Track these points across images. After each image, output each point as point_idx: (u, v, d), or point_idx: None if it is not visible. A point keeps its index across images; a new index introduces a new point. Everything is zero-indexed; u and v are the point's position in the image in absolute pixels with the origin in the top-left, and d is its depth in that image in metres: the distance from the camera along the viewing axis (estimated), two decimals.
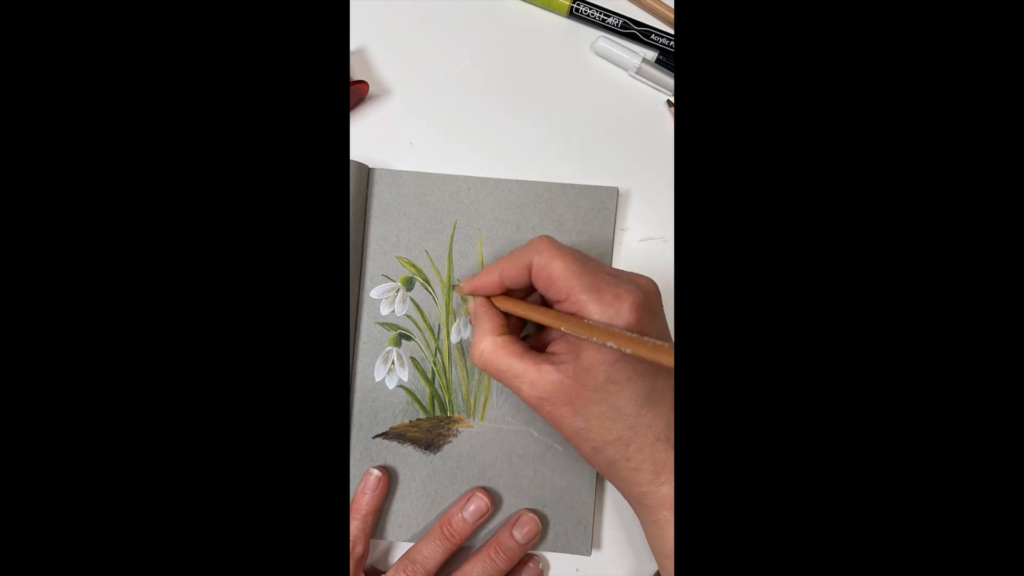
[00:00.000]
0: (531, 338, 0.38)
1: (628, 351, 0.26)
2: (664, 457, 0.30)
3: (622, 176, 0.42)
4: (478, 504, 0.38)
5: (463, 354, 0.40)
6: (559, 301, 0.31)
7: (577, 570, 0.41)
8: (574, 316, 0.30)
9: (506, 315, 0.34)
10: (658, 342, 0.25)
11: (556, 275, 0.31)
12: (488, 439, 0.40)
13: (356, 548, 0.37)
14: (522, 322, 0.36)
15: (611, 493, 0.41)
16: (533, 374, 0.31)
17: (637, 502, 0.32)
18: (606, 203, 0.41)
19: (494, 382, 0.40)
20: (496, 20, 0.44)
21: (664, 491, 0.30)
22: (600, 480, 0.40)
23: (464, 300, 0.40)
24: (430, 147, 0.42)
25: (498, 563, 0.37)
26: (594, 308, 0.29)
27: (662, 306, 0.33)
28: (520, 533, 0.38)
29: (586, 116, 0.43)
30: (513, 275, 0.33)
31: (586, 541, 0.40)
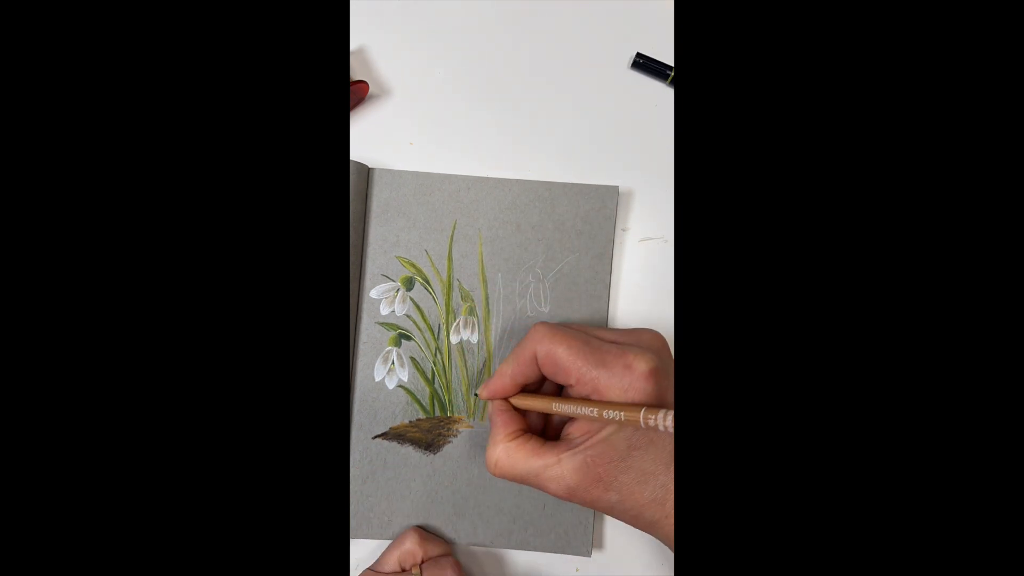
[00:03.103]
0: (549, 429, 0.37)
1: (663, 428, 0.26)
2: None
3: (622, 176, 0.42)
4: None
5: (463, 354, 0.40)
6: (571, 385, 0.31)
7: (577, 570, 0.41)
8: (588, 401, 0.30)
9: (526, 412, 0.34)
10: (669, 411, 0.26)
11: (561, 361, 0.31)
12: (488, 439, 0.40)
13: (405, 543, 0.37)
14: (544, 418, 0.36)
15: None
16: (554, 468, 0.31)
17: None
18: (606, 202, 0.41)
19: None
20: (496, 20, 0.44)
21: None
22: None
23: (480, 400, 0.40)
24: (430, 147, 0.42)
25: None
26: (606, 383, 0.29)
27: (672, 358, 0.33)
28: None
29: (586, 116, 0.43)
30: (522, 371, 0.33)
31: (586, 541, 0.40)
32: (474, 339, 0.40)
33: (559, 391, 0.35)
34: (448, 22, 0.44)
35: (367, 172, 0.41)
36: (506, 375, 0.34)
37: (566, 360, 0.31)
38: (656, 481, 0.30)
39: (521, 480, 0.32)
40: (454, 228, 0.41)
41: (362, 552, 0.40)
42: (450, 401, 0.40)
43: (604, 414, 0.29)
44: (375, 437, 0.40)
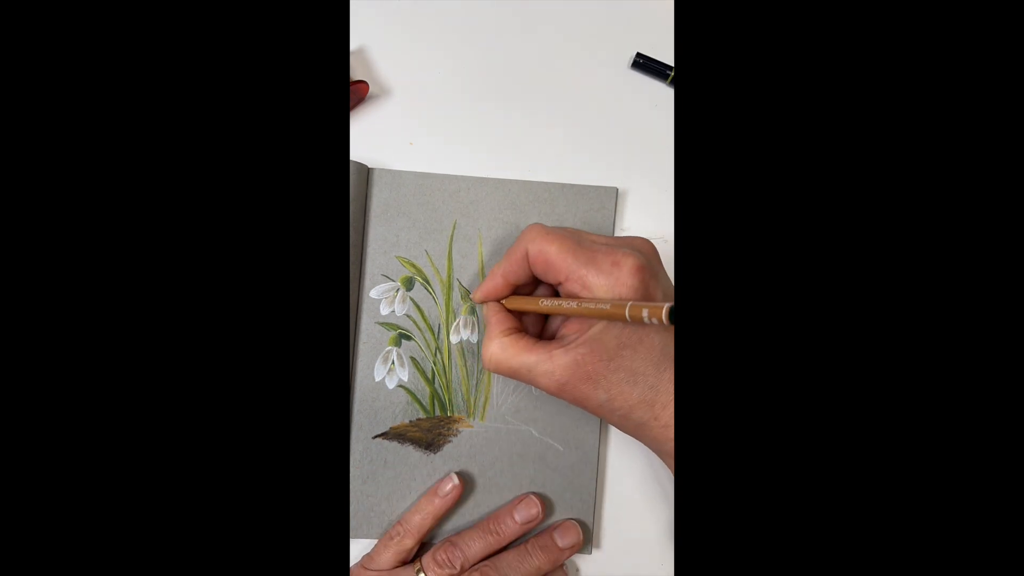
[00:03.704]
0: (545, 333, 0.38)
1: (647, 320, 0.26)
2: None
3: (621, 176, 0.42)
4: (530, 509, 0.38)
5: (463, 354, 0.40)
6: (561, 283, 0.32)
7: (577, 570, 0.41)
8: (575, 297, 0.30)
9: (522, 315, 0.35)
10: (655, 304, 0.25)
11: (552, 258, 0.31)
12: (488, 439, 0.40)
13: (406, 540, 0.38)
14: (540, 321, 0.36)
15: (611, 493, 0.41)
16: (546, 363, 0.31)
17: (668, 455, 0.32)
18: (605, 203, 0.41)
19: (494, 381, 0.40)
20: (496, 20, 0.44)
21: None
22: (600, 480, 0.40)
23: (475, 307, 0.40)
24: (430, 147, 0.42)
25: (490, 538, 0.38)
26: (594, 280, 0.30)
27: (662, 264, 0.33)
28: (520, 515, 0.38)
29: (586, 116, 0.43)
30: (514, 270, 0.33)
31: (587, 541, 0.40)
32: (474, 339, 0.40)
33: (551, 294, 0.36)
34: (448, 22, 0.44)
35: (367, 172, 0.41)
36: (497, 275, 0.34)
37: (556, 258, 0.31)
38: (645, 381, 0.30)
39: (514, 374, 0.32)
40: (454, 228, 0.41)
41: (362, 552, 0.40)
42: (450, 401, 0.40)
43: (589, 306, 0.29)
44: (375, 437, 0.40)
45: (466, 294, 0.41)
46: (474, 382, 0.40)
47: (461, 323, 0.40)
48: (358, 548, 0.40)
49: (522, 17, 0.44)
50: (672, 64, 0.43)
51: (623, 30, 0.44)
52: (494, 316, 0.34)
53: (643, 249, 0.32)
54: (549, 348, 0.31)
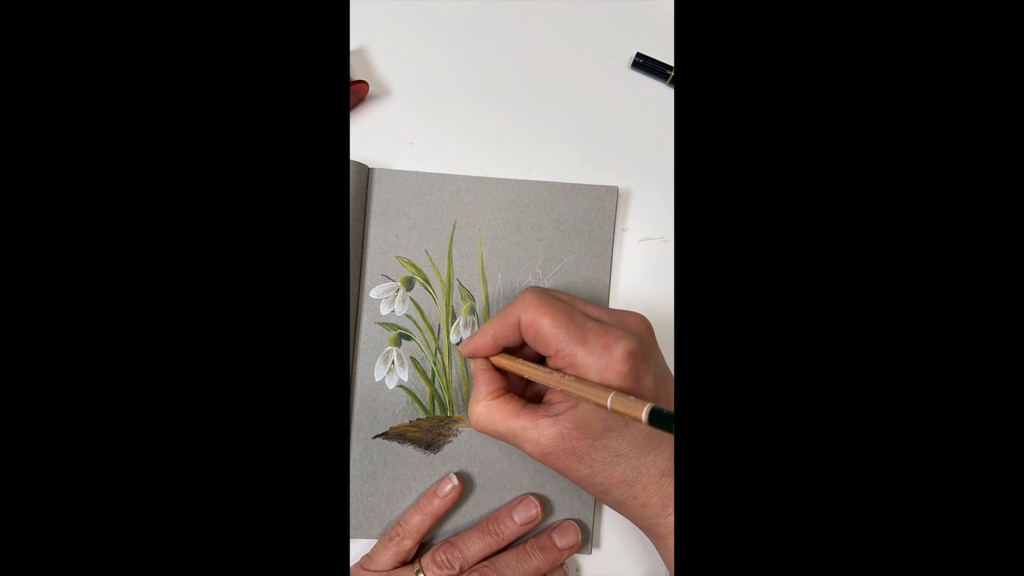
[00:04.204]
0: (529, 390, 0.38)
1: (609, 408, 0.27)
2: (670, 491, 0.31)
3: (622, 175, 0.42)
4: (529, 510, 0.38)
5: None
6: (551, 356, 0.32)
7: (577, 570, 0.41)
8: (562, 373, 0.31)
9: (507, 372, 0.35)
10: (637, 402, 0.26)
11: (544, 331, 0.31)
12: (488, 439, 0.40)
13: (405, 541, 0.38)
14: (525, 380, 0.37)
15: None
16: (532, 431, 0.31)
17: (648, 531, 0.33)
18: (606, 202, 0.41)
19: None
20: (496, 20, 0.44)
21: (672, 520, 0.31)
22: None
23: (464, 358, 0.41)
24: (430, 147, 0.42)
25: (489, 539, 0.38)
26: (584, 359, 0.30)
27: (656, 344, 0.33)
28: (519, 516, 0.38)
29: (586, 115, 0.43)
30: (505, 334, 0.33)
31: (586, 541, 0.40)
32: None
33: (540, 358, 0.36)
34: (448, 22, 0.44)
35: (367, 172, 0.41)
36: (488, 335, 0.34)
37: (548, 332, 0.31)
38: (628, 463, 0.30)
39: (500, 437, 0.33)
40: (454, 228, 0.41)
41: (362, 552, 0.40)
42: (450, 401, 0.40)
43: (575, 386, 0.29)
44: (375, 437, 0.40)
45: (467, 294, 0.41)
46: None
47: (461, 323, 0.40)
48: (358, 548, 0.40)
49: (522, 17, 0.44)
50: (672, 64, 0.43)
51: (623, 30, 0.44)
52: (482, 376, 0.34)
53: (637, 330, 0.32)
54: (536, 416, 0.31)
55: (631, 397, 0.27)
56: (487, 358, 0.35)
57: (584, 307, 0.33)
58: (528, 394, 0.36)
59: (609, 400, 0.27)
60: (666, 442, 0.31)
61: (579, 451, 0.30)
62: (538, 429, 0.31)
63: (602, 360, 0.30)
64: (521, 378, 0.36)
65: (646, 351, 0.31)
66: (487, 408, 0.33)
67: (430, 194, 0.41)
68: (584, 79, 0.43)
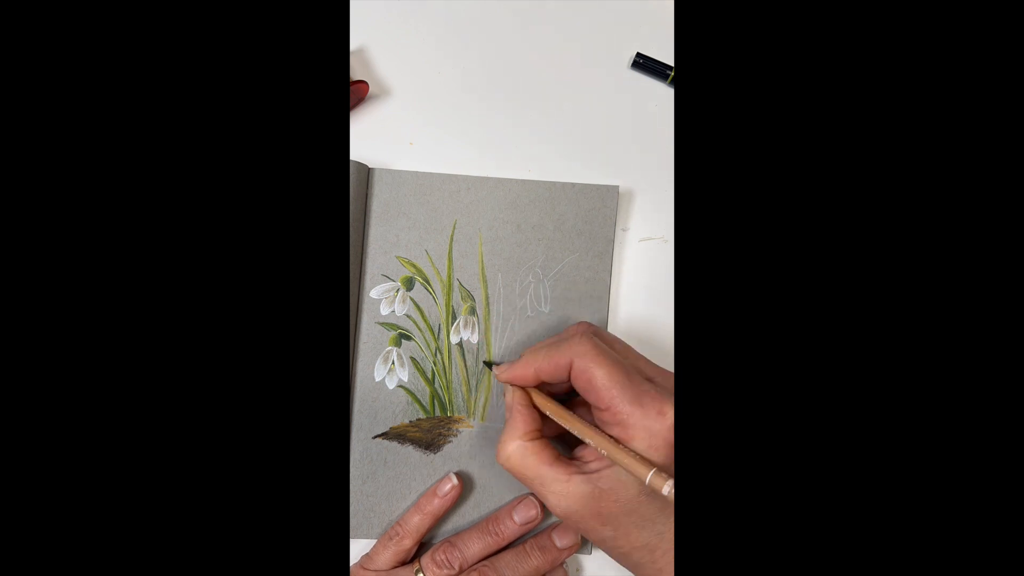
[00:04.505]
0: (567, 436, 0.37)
1: (666, 493, 0.26)
2: None
3: (622, 175, 0.42)
4: (528, 510, 0.38)
5: (463, 354, 0.40)
6: (599, 409, 0.31)
7: (578, 570, 0.41)
8: (608, 439, 0.30)
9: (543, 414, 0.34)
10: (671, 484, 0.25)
11: (598, 384, 0.30)
12: (488, 439, 0.40)
13: (405, 541, 0.38)
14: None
15: None
16: (562, 485, 0.30)
17: None
18: (606, 202, 0.41)
19: (493, 381, 0.40)
20: (496, 20, 0.44)
21: None
22: None
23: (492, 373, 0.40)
24: (430, 147, 0.42)
25: (489, 539, 0.37)
26: (636, 422, 0.29)
27: None
28: (519, 516, 0.38)
29: (586, 115, 0.43)
30: (551, 372, 0.32)
31: (586, 541, 0.40)
32: (474, 339, 0.40)
33: (571, 398, 0.35)
34: (448, 22, 0.44)
35: (367, 172, 0.41)
36: (531, 366, 0.33)
37: (602, 386, 0.30)
38: (653, 528, 0.30)
39: (525, 481, 0.32)
40: (454, 228, 0.41)
41: (361, 552, 0.40)
42: (450, 401, 0.40)
43: (615, 453, 0.29)
44: (375, 437, 0.40)
45: (467, 294, 0.40)
46: (474, 382, 0.40)
47: (461, 323, 0.40)
48: (357, 548, 0.40)
49: (522, 17, 0.44)
50: (672, 64, 0.43)
51: (623, 30, 0.44)
52: (519, 412, 0.33)
53: None
54: (568, 470, 0.31)
55: (670, 478, 0.26)
56: (526, 392, 0.34)
57: (638, 362, 0.32)
58: (547, 431, 0.35)
59: (648, 478, 0.27)
60: None
61: (606, 514, 0.30)
62: (569, 484, 0.30)
63: (655, 425, 0.29)
64: (555, 423, 0.35)
65: None
66: (521, 449, 0.32)
67: (430, 194, 0.41)
68: (584, 79, 0.43)
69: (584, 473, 0.30)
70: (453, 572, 0.37)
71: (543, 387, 0.35)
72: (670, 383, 0.32)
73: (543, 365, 0.32)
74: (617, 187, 0.41)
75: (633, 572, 0.32)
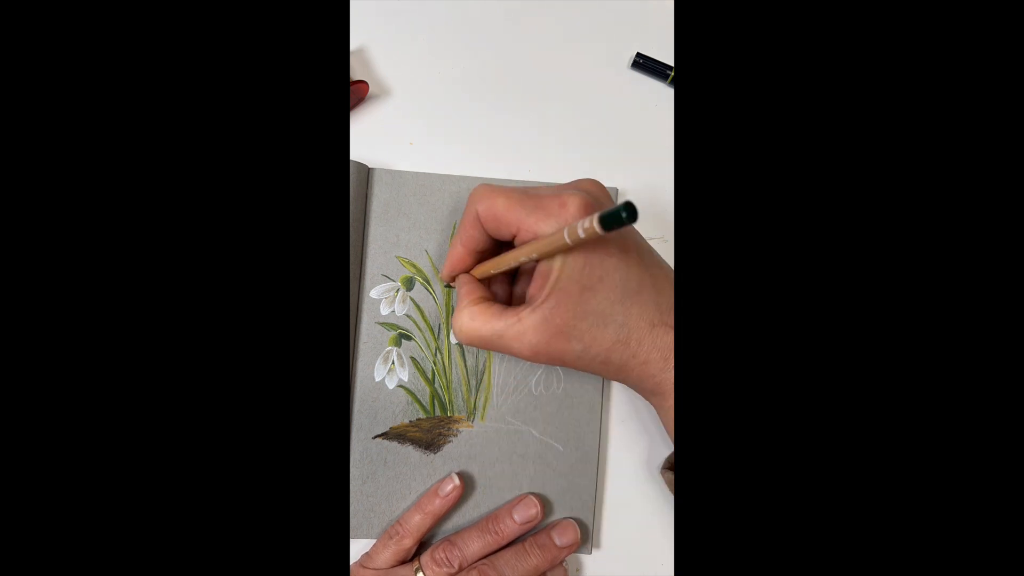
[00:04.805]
0: (514, 300, 0.38)
1: (582, 235, 0.26)
2: (667, 341, 0.30)
3: (622, 175, 0.42)
4: (528, 509, 0.38)
5: (463, 354, 0.40)
6: (514, 235, 0.32)
7: (578, 570, 0.41)
8: (524, 245, 0.31)
9: (491, 286, 0.35)
10: (586, 219, 0.25)
11: (500, 212, 0.31)
12: (488, 439, 0.40)
13: (405, 540, 0.38)
14: (508, 290, 0.37)
15: (611, 493, 0.41)
16: (515, 327, 0.31)
17: (652, 393, 0.32)
18: (605, 203, 0.41)
19: (493, 381, 0.40)
20: (496, 20, 0.44)
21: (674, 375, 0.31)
22: (600, 480, 0.40)
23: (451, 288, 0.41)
24: (430, 147, 0.42)
25: (489, 538, 0.38)
26: (544, 225, 0.30)
27: (609, 198, 0.33)
28: (518, 515, 0.38)
29: (586, 115, 0.43)
30: (471, 235, 0.33)
31: (586, 541, 0.40)
32: None
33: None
34: (448, 22, 0.44)
35: (367, 172, 0.41)
36: (457, 245, 0.34)
37: (505, 211, 0.31)
38: (615, 320, 0.30)
39: (486, 344, 0.32)
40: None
41: (361, 552, 0.40)
42: (450, 401, 0.40)
43: (537, 249, 0.29)
44: (375, 437, 0.40)
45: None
46: (474, 382, 0.40)
47: None
48: (357, 548, 0.40)
49: (522, 17, 0.44)
50: (672, 64, 0.43)
51: (623, 30, 0.44)
52: (463, 287, 0.34)
53: (590, 189, 0.32)
54: (518, 311, 0.31)
55: (580, 220, 0.26)
56: (467, 272, 0.35)
57: (536, 188, 0.33)
58: (514, 304, 0.36)
59: (565, 233, 0.27)
60: (647, 290, 0.31)
61: (565, 327, 0.30)
62: (521, 322, 0.30)
63: (560, 218, 0.30)
64: (506, 293, 0.36)
65: (601, 203, 0.31)
66: (470, 314, 0.32)
67: (430, 194, 0.41)
68: (584, 79, 0.43)
69: (530, 306, 0.31)
70: (452, 571, 0.37)
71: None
72: (571, 186, 0.32)
73: (462, 234, 0.34)
74: (616, 188, 0.41)
75: (625, 378, 0.32)
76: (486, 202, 0.32)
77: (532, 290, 0.32)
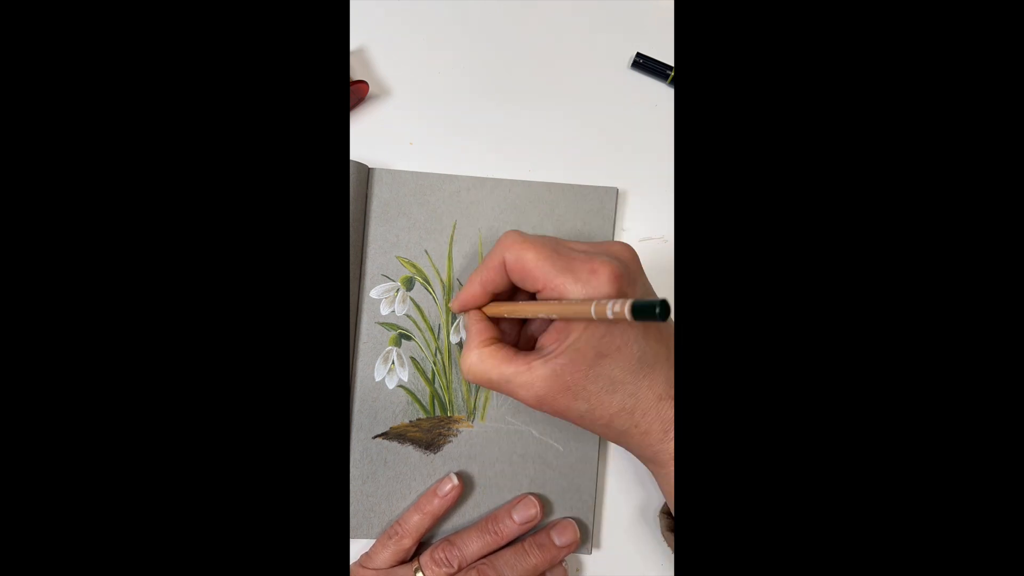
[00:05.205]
0: (522, 341, 0.38)
1: (611, 316, 0.26)
2: (670, 415, 0.30)
3: (622, 176, 0.42)
4: (528, 509, 0.38)
5: None
6: (538, 291, 0.31)
7: (578, 570, 0.41)
8: (546, 302, 0.30)
9: (500, 323, 0.35)
10: (618, 302, 0.25)
11: (529, 266, 0.31)
12: (488, 439, 0.40)
13: (404, 540, 0.38)
14: (518, 330, 0.36)
15: (611, 493, 0.41)
16: (525, 375, 0.31)
17: (650, 461, 0.32)
18: (605, 203, 0.41)
19: None
20: (496, 20, 0.44)
21: (673, 446, 0.31)
22: (600, 480, 0.40)
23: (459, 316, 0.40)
24: (430, 147, 0.42)
25: (488, 538, 0.38)
26: (572, 288, 0.29)
27: (641, 270, 0.33)
28: (518, 515, 0.38)
29: (586, 115, 0.43)
30: (492, 278, 0.33)
31: (586, 541, 0.40)
32: None
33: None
34: (448, 22, 0.44)
35: (367, 172, 0.41)
36: (475, 283, 0.33)
37: (533, 265, 0.30)
38: (624, 389, 0.30)
39: (494, 386, 0.32)
40: (454, 228, 0.41)
41: (361, 551, 0.40)
42: (450, 401, 0.40)
43: (559, 310, 0.29)
44: (375, 437, 0.40)
45: None
46: None
47: (461, 323, 0.40)
48: (357, 548, 0.40)
49: (522, 17, 0.44)
50: (672, 64, 0.43)
51: (623, 30, 0.44)
52: (474, 325, 0.34)
53: (622, 256, 0.32)
54: (528, 359, 0.31)
55: (612, 299, 0.26)
56: (479, 309, 0.35)
57: (568, 243, 0.33)
58: (521, 345, 0.36)
59: (592, 308, 0.26)
60: (660, 364, 0.31)
61: (574, 386, 0.30)
62: (531, 372, 0.30)
63: (589, 285, 0.29)
64: (515, 331, 0.36)
65: (632, 275, 0.31)
66: (479, 356, 0.32)
67: (430, 194, 0.41)
68: (584, 79, 0.43)
69: (542, 357, 0.31)
70: (452, 570, 0.37)
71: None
72: (601, 248, 0.32)
73: (484, 275, 0.33)
74: (616, 188, 0.41)
75: (622, 442, 0.32)
76: (515, 252, 0.31)
77: (546, 340, 0.32)
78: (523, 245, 0.31)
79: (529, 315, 0.31)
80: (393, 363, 0.40)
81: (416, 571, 0.37)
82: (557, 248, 0.31)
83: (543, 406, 0.31)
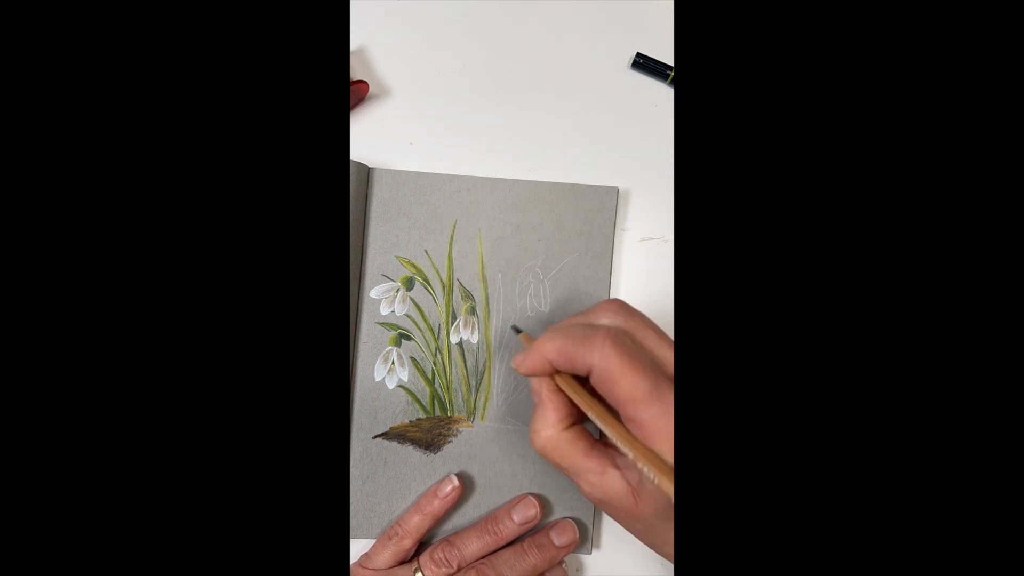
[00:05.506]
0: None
1: (665, 487, 0.25)
2: None
3: (622, 176, 0.42)
4: (528, 510, 0.38)
5: (463, 354, 0.40)
6: (588, 372, 0.29)
7: (578, 570, 0.41)
8: (630, 438, 0.28)
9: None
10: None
11: (622, 396, 0.28)
12: (488, 439, 0.40)
13: (404, 541, 0.38)
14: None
15: None
16: (597, 477, 0.30)
17: (654, 547, 0.32)
18: (606, 203, 0.41)
19: (493, 381, 0.40)
20: (496, 20, 0.44)
21: None
22: None
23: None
24: (430, 147, 0.42)
25: (488, 538, 0.38)
26: (663, 431, 0.27)
27: (636, 315, 0.31)
28: (518, 516, 0.38)
29: (586, 115, 0.43)
30: (569, 364, 0.30)
31: (586, 541, 0.40)
32: (474, 339, 0.40)
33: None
34: (448, 22, 0.44)
35: (367, 172, 0.41)
36: (548, 359, 0.30)
37: (627, 398, 0.28)
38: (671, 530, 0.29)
39: (559, 468, 0.31)
40: (454, 228, 0.41)
41: (361, 552, 0.40)
42: (450, 401, 0.40)
43: (640, 462, 0.27)
44: (375, 437, 0.40)
45: (467, 294, 0.40)
46: (474, 382, 0.40)
47: (461, 323, 0.40)
48: (357, 548, 0.40)
49: (522, 17, 0.44)
50: (672, 64, 0.43)
51: (623, 30, 0.44)
52: (550, 399, 0.31)
53: (615, 321, 0.31)
54: (603, 461, 0.30)
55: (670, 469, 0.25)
56: (551, 379, 0.32)
57: (664, 350, 0.30)
58: (576, 414, 0.33)
59: (654, 477, 0.26)
60: None
61: (636, 513, 0.30)
62: (605, 477, 0.30)
63: (599, 352, 0.28)
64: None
65: (628, 333, 0.30)
66: (557, 438, 0.31)
67: (430, 194, 0.41)
68: (584, 79, 0.43)
69: (620, 468, 0.30)
70: (451, 571, 0.37)
71: None
72: (600, 314, 0.31)
73: (561, 356, 0.30)
74: (616, 188, 0.41)
75: (658, 551, 0.31)
76: (609, 371, 0.28)
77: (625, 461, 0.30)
78: (621, 369, 0.28)
79: (595, 420, 0.29)
80: (393, 363, 0.40)
81: (416, 571, 0.37)
82: (656, 382, 0.28)
83: (600, 507, 0.31)
